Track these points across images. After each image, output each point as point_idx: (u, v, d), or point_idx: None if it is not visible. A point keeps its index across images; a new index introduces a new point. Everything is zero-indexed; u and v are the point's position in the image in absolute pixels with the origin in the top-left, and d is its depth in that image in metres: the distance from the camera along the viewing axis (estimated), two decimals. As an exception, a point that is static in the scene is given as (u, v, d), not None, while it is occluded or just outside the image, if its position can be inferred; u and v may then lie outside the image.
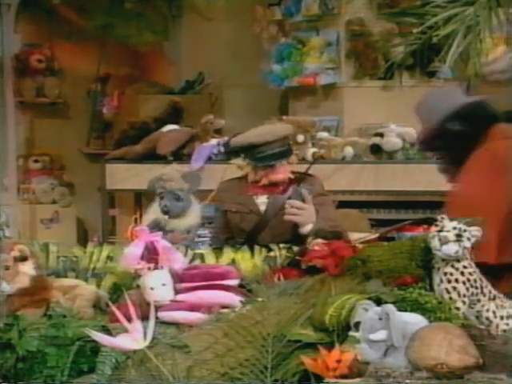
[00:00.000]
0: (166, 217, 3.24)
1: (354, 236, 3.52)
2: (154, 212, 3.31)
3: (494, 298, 2.41)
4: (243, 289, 2.62)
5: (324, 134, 4.76)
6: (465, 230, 2.37)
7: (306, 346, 2.24)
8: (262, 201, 3.58)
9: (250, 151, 3.57)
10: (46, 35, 6.64)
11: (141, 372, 2.25)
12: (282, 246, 2.93)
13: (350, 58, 5.19)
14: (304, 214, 3.40)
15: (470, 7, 2.74)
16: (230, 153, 4.61)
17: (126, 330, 2.24)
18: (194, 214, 3.32)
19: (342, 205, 3.86)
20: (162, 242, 2.67)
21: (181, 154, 4.91)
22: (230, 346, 2.27)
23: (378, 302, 2.28)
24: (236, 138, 3.76)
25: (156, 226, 3.17)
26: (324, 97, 5.26)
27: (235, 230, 3.58)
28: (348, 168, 4.43)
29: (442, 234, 2.37)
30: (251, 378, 2.20)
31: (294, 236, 3.40)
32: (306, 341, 2.24)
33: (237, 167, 3.70)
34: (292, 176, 3.60)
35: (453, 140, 3.21)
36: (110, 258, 2.96)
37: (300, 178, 3.57)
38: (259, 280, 2.70)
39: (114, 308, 2.31)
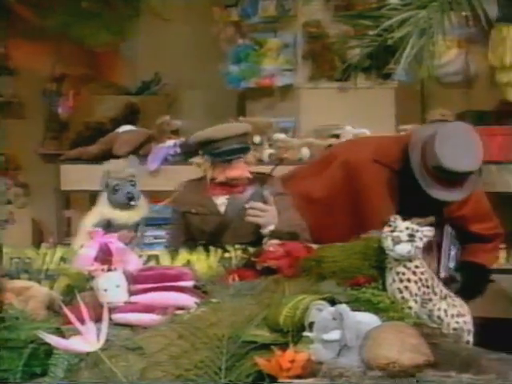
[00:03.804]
0: (132, 202, 3.21)
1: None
2: (99, 212, 3.25)
3: (445, 297, 2.46)
4: (198, 290, 2.62)
5: (281, 135, 4.78)
6: (417, 230, 2.41)
7: (261, 346, 2.25)
8: (221, 202, 3.58)
9: (208, 146, 3.57)
10: (1, 34, 6.57)
11: (94, 374, 2.25)
12: (237, 247, 2.94)
13: (307, 59, 5.23)
14: (266, 216, 3.41)
15: (424, 10, 2.79)
16: (187, 154, 4.61)
17: (79, 332, 2.22)
18: (143, 204, 3.30)
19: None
20: (116, 244, 2.67)
21: (137, 155, 4.89)
22: (185, 348, 2.27)
23: (332, 302, 2.30)
24: (194, 134, 3.77)
25: (104, 224, 3.14)
26: (281, 98, 5.29)
27: (195, 231, 3.58)
28: (304, 169, 4.45)
29: (394, 234, 2.41)
30: (206, 379, 2.20)
31: (256, 236, 3.41)
32: (261, 342, 2.25)
33: (195, 165, 3.71)
34: (251, 176, 3.61)
35: None
36: (63, 259, 2.94)
37: (259, 179, 3.58)
38: (214, 281, 2.70)
39: (66, 310, 2.29)
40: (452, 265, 3.18)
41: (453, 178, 3.06)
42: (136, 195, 3.20)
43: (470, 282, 3.12)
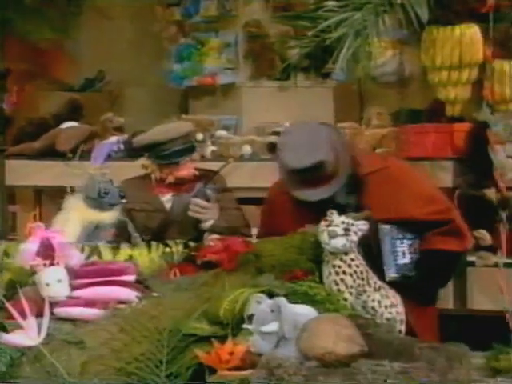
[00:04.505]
0: (123, 200, 3.35)
1: (253, 231, 3.60)
2: (79, 216, 3.29)
3: (378, 289, 2.51)
4: (140, 284, 2.65)
5: (222, 133, 4.81)
6: (352, 224, 2.46)
7: (201, 339, 2.27)
8: (167, 199, 3.62)
9: (153, 150, 3.60)
10: None
11: (35, 369, 2.26)
12: (178, 241, 2.97)
13: (248, 58, 5.28)
14: (207, 213, 3.46)
15: (359, 12, 2.85)
16: (131, 151, 4.63)
17: (21, 327, 2.24)
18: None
19: (241, 201, 3.92)
20: (57, 239, 2.68)
21: (80, 151, 4.89)
22: (126, 341, 2.28)
23: (271, 295, 2.33)
24: (138, 137, 3.78)
25: (93, 227, 3.23)
26: (223, 96, 5.33)
27: (140, 228, 3.60)
28: (246, 166, 4.49)
29: (330, 228, 2.45)
30: (147, 372, 2.21)
31: (200, 233, 3.46)
32: (201, 334, 2.28)
33: (141, 167, 3.73)
34: (197, 173, 3.65)
35: None
36: (6, 254, 2.94)
37: (205, 176, 3.62)
38: (156, 276, 2.73)
39: (8, 305, 2.30)
40: (405, 261, 3.04)
41: (304, 176, 2.97)
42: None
43: (432, 270, 3.01)
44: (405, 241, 3.03)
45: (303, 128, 3.11)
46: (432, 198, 3.08)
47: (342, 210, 2.59)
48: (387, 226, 2.99)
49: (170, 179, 3.59)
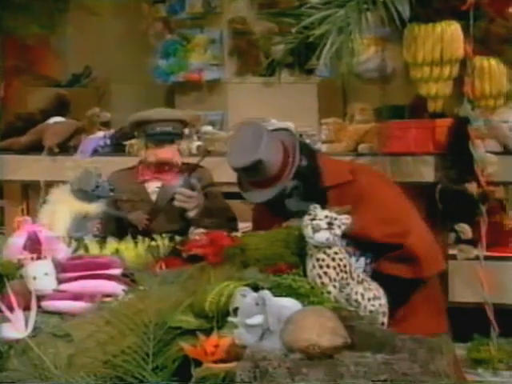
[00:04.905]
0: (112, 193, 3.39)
1: (240, 225, 3.63)
2: (68, 208, 3.32)
3: (361, 282, 2.53)
4: (126, 278, 2.66)
5: (208, 128, 4.84)
6: (335, 218, 2.47)
7: (187, 332, 2.28)
8: (152, 190, 3.65)
9: (142, 127, 3.65)
10: None
11: (23, 361, 2.27)
12: (164, 235, 2.99)
13: (233, 55, 5.31)
14: (192, 201, 3.50)
15: (342, 9, 2.88)
16: (117, 146, 4.66)
17: (8, 320, 2.27)
18: None
19: (226, 196, 3.95)
20: (44, 233, 2.70)
21: (67, 146, 4.91)
22: (113, 334, 2.30)
23: (256, 288, 2.35)
24: (132, 115, 3.84)
25: (81, 219, 3.25)
26: (209, 92, 5.36)
27: (127, 218, 3.63)
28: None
29: (314, 222, 2.47)
30: (133, 365, 2.23)
31: (184, 223, 3.49)
32: (187, 327, 2.29)
33: (129, 146, 3.74)
34: (180, 163, 3.68)
35: None
36: (-6, 248, 2.94)
37: (190, 169, 3.66)
38: (142, 269, 2.74)
39: (-4, 298, 2.33)
40: None
41: (247, 176, 2.98)
42: None
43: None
44: (361, 259, 2.91)
45: (248, 128, 3.09)
46: (392, 219, 2.93)
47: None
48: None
49: (152, 159, 3.62)
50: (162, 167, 3.64)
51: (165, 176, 3.64)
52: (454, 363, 2.82)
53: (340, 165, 3.21)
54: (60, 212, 3.19)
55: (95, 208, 3.30)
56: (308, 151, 3.09)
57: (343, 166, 3.19)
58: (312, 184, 2.97)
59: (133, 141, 3.76)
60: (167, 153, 3.61)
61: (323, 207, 2.54)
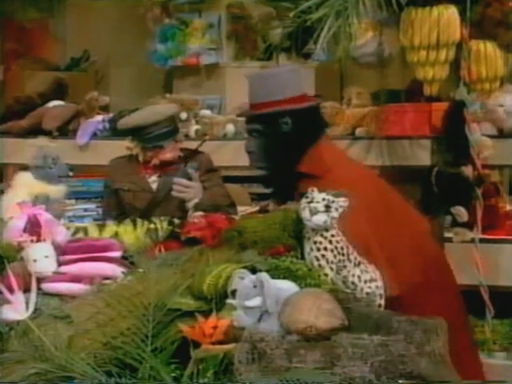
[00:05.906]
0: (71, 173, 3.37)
1: (238, 209, 3.66)
2: (28, 188, 3.30)
3: (358, 264, 2.53)
4: (126, 260, 2.68)
5: (206, 112, 4.85)
6: (333, 201, 2.47)
7: (186, 314, 2.29)
8: (153, 179, 3.67)
9: (137, 133, 3.63)
10: None
11: (23, 342, 2.28)
12: (163, 218, 3.01)
13: (231, 39, 5.32)
14: (190, 191, 3.51)
15: (339, -6, 2.88)
16: (117, 131, 4.66)
17: (8, 302, 2.28)
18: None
19: (225, 180, 3.97)
20: (44, 215, 2.71)
21: (66, 130, 4.92)
22: (112, 316, 2.30)
23: (254, 270, 2.36)
24: (122, 120, 3.81)
25: (43, 199, 3.21)
26: (207, 76, 5.36)
27: (128, 208, 3.65)
28: (229, 144, 4.53)
29: (312, 205, 2.46)
30: (132, 346, 2.23)
31: (185, 212, 3.51)
32: (185, 309, 2.30)
33: (126, 149, 3.75)
34: (182, 154, 3.69)
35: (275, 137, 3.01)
36: (-7, 231, 2.96)
37: (189, 156, 3.67)
38: (141, 252, 2.75)
39: (-4, 280, 2.35)
40: None
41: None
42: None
43: None
44: None
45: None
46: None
47: None
48: None
49: (155, 162, 3.64)
50: (164, 165, 3.66)
51: (166, 168, 3.66)
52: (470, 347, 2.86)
53: (322, 155, 3.03)
54: (20, 196, 3.18)
55: (57, 190, 3.28)
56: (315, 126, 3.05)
57: (326, 155, 3.05)
58: (288, 145, 2.95)
59: (128, 143, 3.73)
60: (169, 153, 3.63)
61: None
